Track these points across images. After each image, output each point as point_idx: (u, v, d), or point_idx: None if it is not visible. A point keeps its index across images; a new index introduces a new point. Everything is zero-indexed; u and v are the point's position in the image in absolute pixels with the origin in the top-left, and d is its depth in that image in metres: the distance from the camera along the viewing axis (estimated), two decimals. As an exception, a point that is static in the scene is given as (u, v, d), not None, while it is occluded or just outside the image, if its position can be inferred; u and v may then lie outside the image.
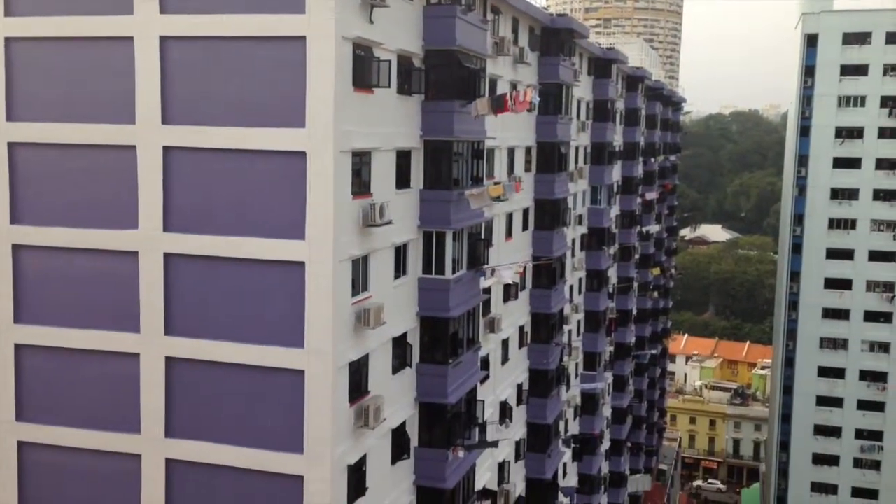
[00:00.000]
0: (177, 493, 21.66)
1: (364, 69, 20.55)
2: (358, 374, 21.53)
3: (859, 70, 66.07)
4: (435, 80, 24.25)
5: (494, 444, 28.52)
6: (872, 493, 68.14)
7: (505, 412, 33.53)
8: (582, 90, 45.10)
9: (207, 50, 20.24)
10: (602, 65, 48.25)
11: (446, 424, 25.07)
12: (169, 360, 21.29)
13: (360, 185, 21.17)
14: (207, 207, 20.65)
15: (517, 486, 35.51)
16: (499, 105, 25.49)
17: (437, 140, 24.40)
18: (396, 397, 23.60)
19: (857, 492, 68.47)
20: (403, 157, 23.52)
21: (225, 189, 20.50)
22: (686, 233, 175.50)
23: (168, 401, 21.43)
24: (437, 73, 24.22)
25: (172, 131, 20.63)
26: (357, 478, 21.58)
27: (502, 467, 33.72)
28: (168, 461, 21.59)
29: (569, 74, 37.94)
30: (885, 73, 65.47)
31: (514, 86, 32.70)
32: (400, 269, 23.71)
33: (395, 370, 23.61)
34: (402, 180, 23.49)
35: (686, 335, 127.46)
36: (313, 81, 19.47)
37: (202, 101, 20.41)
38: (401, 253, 23.69)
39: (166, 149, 20.73)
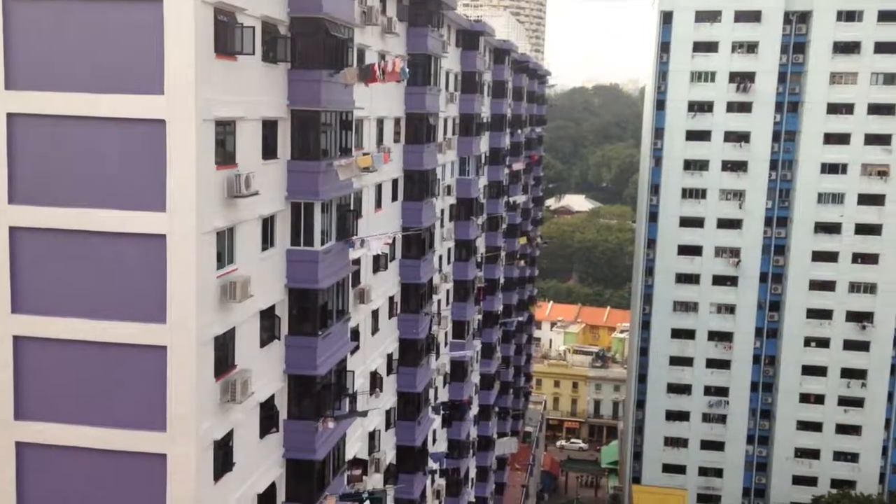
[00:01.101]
0: (30, 477, 20.68)
1: (226, 35, 19.92)
2: (224, 349, 21.13)
3: (710, 47, 69.44)
4: (302, 48, 23.79)
5: (364, 413, 28.68)
6: (719, 445, 73.06)
7: (375, 382, 33.75)
8: (450, 62, 45.36)
9: (57, 11, 19.07)
10: (470, 37, 48.65)
11: (316, 396, 25.01)
12: (17, 339, 20.19)
13: (225, 155, 20.61)
14: (59, 178, 19.58)
15: (388, 454, 35.92)
16: (367, 75, 25.35)
17: (304, 110, 24.00)
18: (265, 370, 23.32)
19: (705, 444, 73.23)
20: (270, 127, 23.03)
21: (78, 159, 19.49)
22: (551, 203, 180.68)
23: (17, 381, 20.34)
24: (304, 41, 23.76)
25: (16, 97, 19.38)
26: (224, 453, 21.26)
27: (373, 436, 34.01)
28: (18, 444, 20.56)
29: (437, 46, 38.04)
30: (733, 50, 69.10)
31: (382, 56, 32.50)
32: (267, 240, 23.31)
33: (264, 343, 23.31)
34: (269, 151, 23.02)
35: (551, 302, 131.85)
36: (172, 47, 18.73)
37: (51, 66, 19.25)
38: (268, 224, 23.27)
39: (10, 116, 19.46)
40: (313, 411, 25.00)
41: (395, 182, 36.13)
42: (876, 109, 67.28)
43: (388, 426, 36.48)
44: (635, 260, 79.69)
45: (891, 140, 67.19)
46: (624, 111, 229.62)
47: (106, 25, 19.03)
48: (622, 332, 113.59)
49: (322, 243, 24.90)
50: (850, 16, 66.93)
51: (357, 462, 30.91)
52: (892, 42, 66.17)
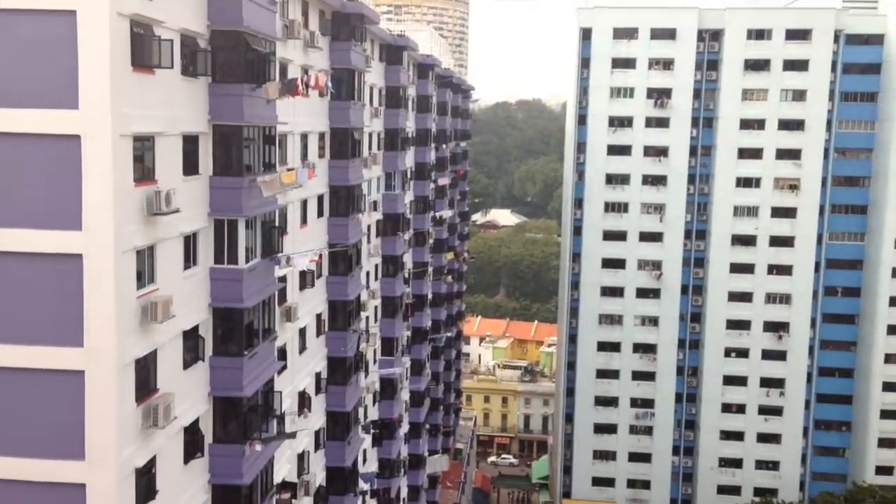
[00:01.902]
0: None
1: (144, 48, 19.35)
2: (145, 372, 20.38)
3: (628, 63, 71.02)
4: (223, 62, 23.32)
5: (293, 435, 28.11)
6: (646, 457, 74.13)
7: (304, 402, 33.13)
8: (374, 76, 45.25)
9: (-40, 21, 18.22)
10: (393, 51, 48.65)
11: (242, 418, 24.37)
12: (-79, 367, 19.08)
13: (144, 171, 19.97)
14: (-35, 196, 18.64)
15: (317, 475, 35.27)
16: (290, 89, 25.04)
17: (226, 125, 23.48)
18: (189, 393, 22.60)
19: (633, 456, 74.09)
20: (191, 143, 22.45)
21: (-15, 176, 18.59)
22: (477, 217, 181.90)
23: (-78, 413, 19.20)
24: (225, 54, 23.30)
25: (-81, 111, 18.40)
26: (146, 481, 20.46)
27: (302, 458, 33.35)
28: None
29: (361, 60, 37.89)
30: (650, 66, 70.82)
31: (305, 70, 32.17)
32: (190, 259, 22.65)
33: (187, 365, 22.59)
34: (190, 166, 22.42)
35: (479, 317, 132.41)
36: (86, 60, 18.09)
37: (-45, 78, 18.37)
38: (190, 242, 22.63)
39: (-88, 131, 18.47)
40: (240, 434, 24.34)
41: (320, 198, 35.71)
42: (786, 125, 69.73)
43: (317, 447, 35.85)
44: (561, 274, 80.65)
45: (801, 155, 69.73)
46: (547, 126, 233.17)
47: (17, 37, 18.28)
48: (550, 345, 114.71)
49: (247, 261, 24.36)
50: (759, 34, 69.41)
51: (286, 485, 30.23)
52: (800, 60, 68.85)
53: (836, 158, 70.48)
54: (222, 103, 23.23)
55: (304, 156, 33.18)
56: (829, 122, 69.58)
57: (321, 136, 35.67)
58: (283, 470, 30.21)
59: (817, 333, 71.84)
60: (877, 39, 68.75)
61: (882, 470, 69.84)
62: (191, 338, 22.76)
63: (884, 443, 69.91)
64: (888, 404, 69.44)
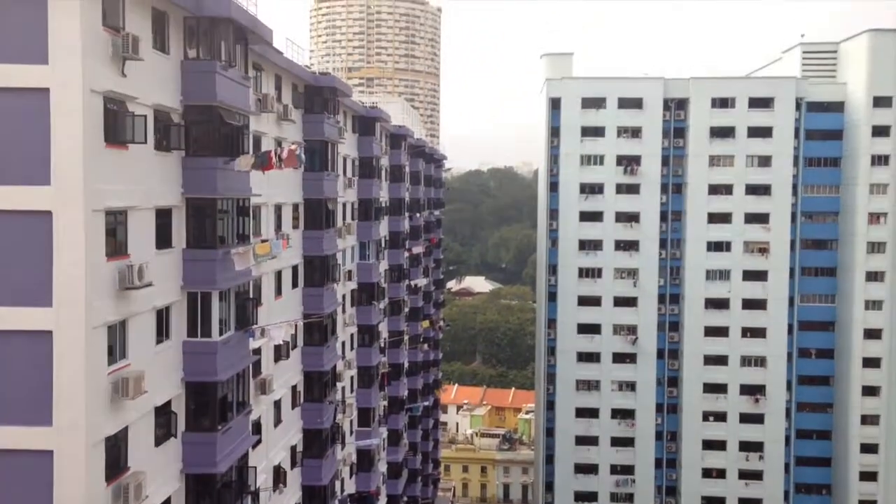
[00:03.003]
0: None
1: (117, 124, 19.50)
2: (116, 450, 19.92)
3: (598, 132, 72.48)
4: (196, 136, 23.51)
5: (268, 511, 27.45)
6: (628, 524, 73.13)
7: (279, 477, 32.44)
8: (347, 147, 45.73)
9: (-67, 99, 18.27)
10: (366, 123, 49.31)
11: (216, 495, 23.79)
12: None
13: (116, 245, 19.89)
14: (-67, 274, 18.40)
15: (293, 552, 34.33)
16: (263, 162, 25.22)
17: (200, 198, 23.55)
18: (160, 471, 22.07)
19: (614, 524, 73.16)
20: (164, 216, 22.45)
21: (-45, 253, 18.41)
22: (452, 285, 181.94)
23: None
24: (198, 129, 23.52)
25: None
26: (116, 564, 19.80)
27: (277, 535, 32.50)
28: None
29: (333, 132, 38.35)
30: (619, 134, 72.31)
31: (279, 142, 32.49)
32: (163, 332, 22.42)
33: (159, 441, 22.13)
34: (163, 240, 22.38)
35: (456, 385, 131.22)
36: (59, 137, 18.18)
37: (-74, 156, 18.32)
38: (163, 316, 22.42)
39: None
40: (213, 512, 23.72)
41: (295, 268, 35.66)
42: (753, 190, 71.16)
43: (292, 523, 34.96)
44: (537, 340, 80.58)
45: (769, 219, 70.97)
46: (519, 193, 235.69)
47: (-11, 114, 18.35)
48: (528, 412, 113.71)
49: (220, 333, 24.13)
50: (723, 102, 71.30)
51: (260, 564, 29.35)
52: (764, 127, 70.66)
53: (803, 222, 71.80)
54: (196, 177, 23.34)
55: (279, 226, 33.25)
56: (794, 187, 71.10)
57: (295, 207, 35.83)
58: (258, 548, 29.37)
59: (793, 396, 72.03)
60: (837, 107, 70.86)
61: (865, 532, 69.42)
62: (163, 413, 22.36)
63: (865, 505, 69.63)
64: (867, 466, 69.34)
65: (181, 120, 23.21)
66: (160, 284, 21.66)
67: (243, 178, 25.41)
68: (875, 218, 69.06)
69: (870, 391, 69.14)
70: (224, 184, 23.88)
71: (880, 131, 68.52)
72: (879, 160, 68.81)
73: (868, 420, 69.35)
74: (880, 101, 68.28)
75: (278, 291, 33.23)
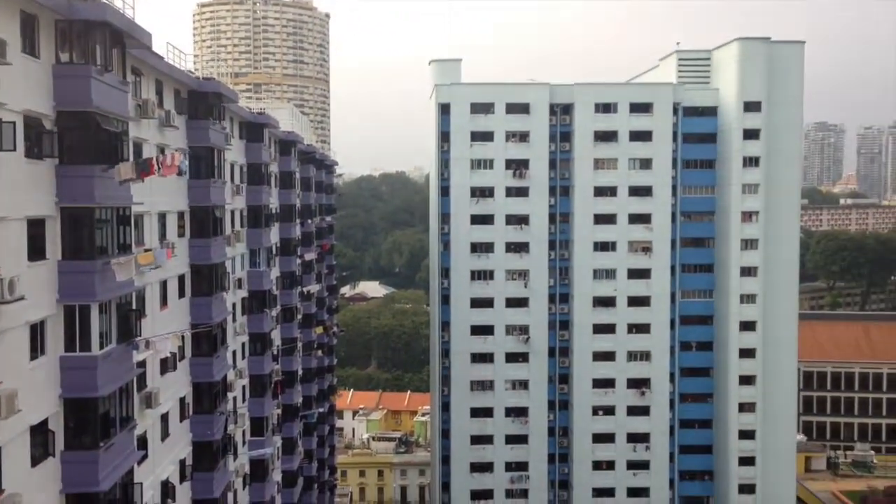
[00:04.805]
0: None
1: (-16, 131, 18.63)
2: (-12, 472, 19.00)
3: (487, 136, 73.57)
4: (71, 143, 22.67)
5: (156, 528, 26.69)
6: (522, 520, 74.48)
7: (168, 491, 31.59)
8: (235, 154, 44.94)
9: None
10: (254, 129, 48.58)
11: (99, 515, 22.98)
12: None
13: (-16, 258, 18.99)
14: None
15: (184, 569, 33.47)
16: (144, 169, 24.56)
17: (75, 207, 22.71)
18: (38, 492, 21.17)
19: (509, 521, 74.38)
20: (37, 226, 21.56)
21: None
22: (346, 290, 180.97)
23: None
24: (73, 135, 22.69)
25: None
26: (-9, 592, 18.90)
27: (166, 552, 31.61)
28: None
29: (220, 138, 37.63)
30: (507, 139, 73.64)
31: (161, 149, 31.64)
32: (37, 348, 21.51)
33: (36, 462, 21.22)
34: (37, 251, 21.49)
35: (352, 390, 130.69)
36: (-80, 144, 17.23)
37: None
38: (38, 331, 21.52)
39: None
40: (96, 532, 22.90)
41: (181, 277, 34.78)
42: (636, 192, 73.77)
43: (182, 539, 34.08)
44: (431, 342, 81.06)
45: (651, 219, 73.77)
46: (411, 197, 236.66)
47: None
48: (424, 415, 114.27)
49: (101, 347, 23.34)
50: (606, 108, 73.69)
51: (149, 583, 28.52)
52: (644, 131, 73.38)
53: (683, 221, 74.97)
54: (71, 185, 22.51)
55: (163, 235, 32.39)
56: (674, 188, 74.16)
57: (181, 215, 34.96)
58: (146, 567, 28.52)
59: (677, 387, 75.09)
60: (711, 111, 74.31)
61: (744, 515, 73.05)
62: (39, 432, 21.46)
63: (744, 489, 73.16)
64: (745, 451, 72.98)
65: (54, 126, 22.35)
66: (33, 298, 20.80)
67: (123, 186, 24.64)
68: (747, 216, 72.75)
69: (746, 380, 72.76)
70: (102, 192, 23.12)
71: (750, 134, 72.25)
72: (750, 161, 72.53)
73: (745, 408, 72.97)
74: (750, 106, 71.99)
75: (164, 302, 32.35)
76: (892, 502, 79.17)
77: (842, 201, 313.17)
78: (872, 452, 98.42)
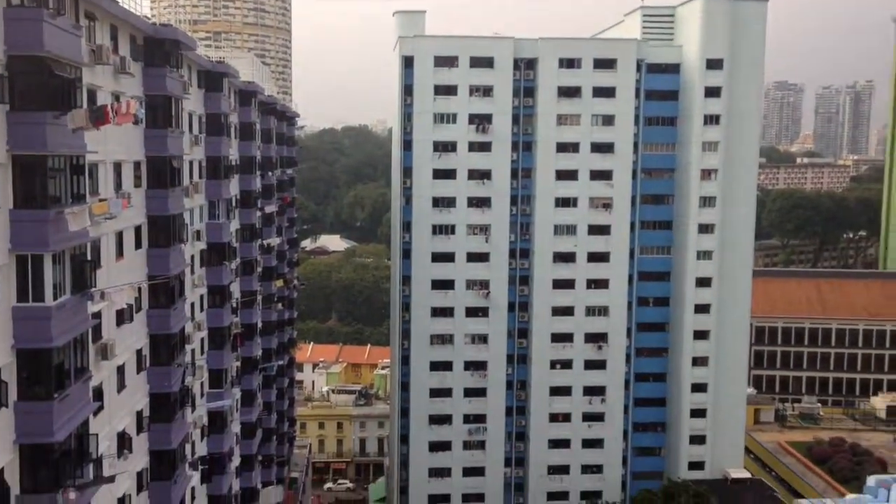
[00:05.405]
0: None
1: (-70, 74, 18.04)
2: (-60, 423, 18.80)
3: (450, 90, 72.97)
4: (22, 89, 22.08)
5: (111, 479, 26.71)
6: (480, 471, 75.73)
7: (123, 443, 31.55)
8: (193, 103, 44.10)
9: None
10: (213, 78, 47.64)
11: (54, 465, 22.93)
12: None
13: (-68, 206, 18.53)
14: None
15: (142, 519, 33.63)
16: (99, 117, 24.07)
17: (28, 155, 22.21)
18: (-9, 443, 21.02)
19: (467, 471, 75.45)
20: (-13, 174, 21.06)
21: None
22: (307, 244, 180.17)
23: None
24: (25, 81, 22.08)
25: None
26: (-55, 542, 18.85)
27: (123, 502, 31.68)
28: None
29: (177, 87, 36.87)
30: (471, 93, 73.10)
31: (117, 97, 30.93)
32: (-11, 298, 21.18)
33: (-11, 413, 21.04)
34: (-13, 200, 21.02)
35: (312, 343, 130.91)
36: None
37: None
38: (-11, 281, 21.17)
39: None
40: (52, 482, 22.88)
41: (138, 229, 34.33)
42: (598, 148, 73.89)
43: (140, 489, 34.20)
44: (392, 296, 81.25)
45: (612, 175, 74.18)
46: (374, 151, 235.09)
47: None
48: (384, 368, 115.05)
49: (55, 298, 23.05)
50: (570, 63, 73.39)
51: (107, 532, 28.62)
52: (608, 87, 73.32)
53: (643, 178, 75.51)
54: (23, 132, 21.98)
55: (119, 186, 31.82)
56: (636, 145, 74.49)
57: (137, 165, 34.35)
58: (104, 517, 28.59)
59: (633, 342, 76.41)
60: (673, 69, 74.46)
61: (694, 465, 75.15)
62: (-8, 383, 21.23)
63: (694, 440, 75.23)
64: (697, 404, 74.83)
65: (5, 71, 21.71)
66: (-15, 247, 20.41)
67: (77, 134, 24.13)
68: (706, 174, 73.55)
69: (700, 335, 74.31)
70: (55, 140, 22.61)
71: (712, 92, 72.63)
72: (711, 120, 73.10)
73: (699, 362, 74.64)
74: (712, 64, 72.28)
75: (120, 253, 31.95)
76: (836, 452, 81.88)
77: (798, 160, 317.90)
78: (819, 405, 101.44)
